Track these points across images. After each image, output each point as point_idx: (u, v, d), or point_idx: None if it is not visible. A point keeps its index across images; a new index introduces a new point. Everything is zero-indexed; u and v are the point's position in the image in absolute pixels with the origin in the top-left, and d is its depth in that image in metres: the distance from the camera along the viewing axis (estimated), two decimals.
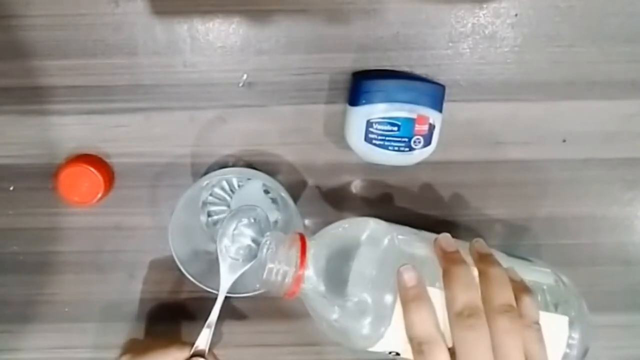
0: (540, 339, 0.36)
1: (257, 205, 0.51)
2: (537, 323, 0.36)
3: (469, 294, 0.35)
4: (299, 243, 0.39)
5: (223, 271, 0.48)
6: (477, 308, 0.35)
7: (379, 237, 0.40)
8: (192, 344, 0.46)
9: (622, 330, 0.59)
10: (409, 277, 0.36)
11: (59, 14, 0.47)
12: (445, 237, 0.40)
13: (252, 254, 0.50)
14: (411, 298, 0.36)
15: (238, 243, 0.50)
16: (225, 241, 0.49)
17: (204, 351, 0.46)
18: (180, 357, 0.46)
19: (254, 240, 0.50)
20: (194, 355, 0.46)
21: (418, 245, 0.40)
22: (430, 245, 0.40)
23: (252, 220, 0.50)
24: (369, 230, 0.40)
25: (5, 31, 0.48)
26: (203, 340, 0.47)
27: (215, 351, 0.49)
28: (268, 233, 0.41)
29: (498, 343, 0.34)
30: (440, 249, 0.39)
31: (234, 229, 0.50)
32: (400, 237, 0.40)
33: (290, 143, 0.52)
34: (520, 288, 0.37)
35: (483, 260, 0.39)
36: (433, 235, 0.41)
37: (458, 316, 0.35)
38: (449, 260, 0.38)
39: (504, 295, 0.36)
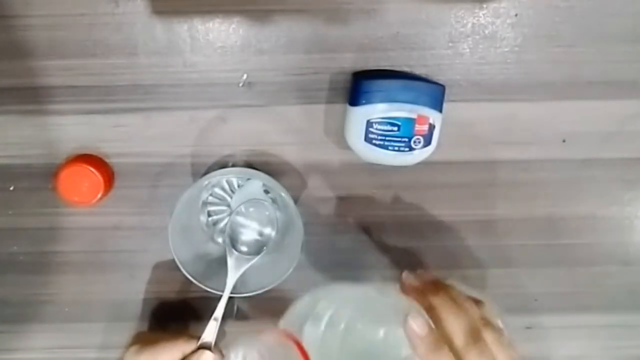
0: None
1: (264, 200, 0.51)
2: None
3: (463, 321, 0.35)
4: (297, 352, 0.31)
5: (230, 265, 0.49)
6: (477, 330, 0.34)
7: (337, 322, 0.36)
8: (199, 337, 0.47)
9: (622, 330, 0.59)
10: (420, 325, 0.34)
11: (59, 14, 0.47)
12: (409, 276, 0.39)
13: (258, 248, 0.50)
14: (431, 348, 0.34)
15: (244, 237, 0.51)
16: (232, 235, 0.50)
17: (211, 344, 0.47)
18: (187, 349, 0.46)
19: (260, 234, 0.51)
20: (200, 347, 0.46)
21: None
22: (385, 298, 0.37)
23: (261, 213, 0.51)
24: (327, 317, 0.36)
25: (5, 31, 0.48)
26: (210, 333, 0.47)
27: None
28: (238, 344, 0.33)
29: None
30: (410, 287, 0.38)
31: (241, 223, 0.51)
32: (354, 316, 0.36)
33: (290, 143, 0.52)
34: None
35: (438, 287, 0.38)
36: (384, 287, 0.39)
37: (466, 347, 0.34)
38: (427, 295, 0.36)
39: (474, 311, 0.36)
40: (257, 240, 0.51)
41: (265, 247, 0.51)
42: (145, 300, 0.57)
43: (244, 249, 0.51)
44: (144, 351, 0.46)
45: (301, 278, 0.53)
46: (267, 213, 0.51)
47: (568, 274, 0.57)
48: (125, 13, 0.48)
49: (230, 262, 0.49)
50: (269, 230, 0.51)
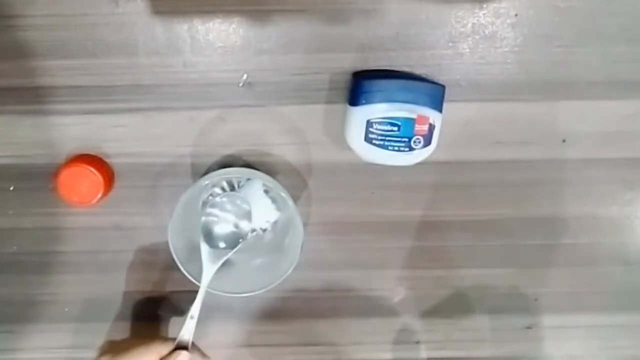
0: None
1: (238, 194, 0.51)
2: None
3: None
4: None
5: (205, 259, 0.48)
6: None
7: None
8: (174, 339, 0.46)
9: (622, 330, 0.59)
10: None
11: (59, 14, 0.47)
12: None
13: (235, 240, 0.50)
14: None
15: (219, 230, 0.50)
16: (206, 229, 0.49)
17: (188, 343, 0.45)
18: (164, 351, 0.45)
19: (236, 225, 0.50)
20: (177, 347, 0.45)
21: None
22: None
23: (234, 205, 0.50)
24: None
25: (5, 31, 0.48)
26: (187, 332, 0.46)
27: (214, 351, 0.49)
28: None
29: None
30: None
31: (215, 215, 0.50)
32: None
33: (290, 143, 0.52)
34: None
35: None
36: None
37: None
38: None
39: None
40: (233, 233, 0.50)
41: (240, 240, 0.50)
42: (145, 300, 0.57)
43: (220, 243, 0.50)
44: (117, 359, 0.44)
45: (301, 278, 0.54)
46: (238, 202, 0.50)
47: (568, 274, 0.57)
48: (125, 13, 0.48)
49: (205, 256, 0.48)
50: (245, 224, 0.50)
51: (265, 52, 0.49)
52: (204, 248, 0.49)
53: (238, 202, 0.50)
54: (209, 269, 0.48)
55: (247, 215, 0.50)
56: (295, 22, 0.48)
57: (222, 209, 0.50)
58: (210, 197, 0.53)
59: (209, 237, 0.49)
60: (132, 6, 0.47)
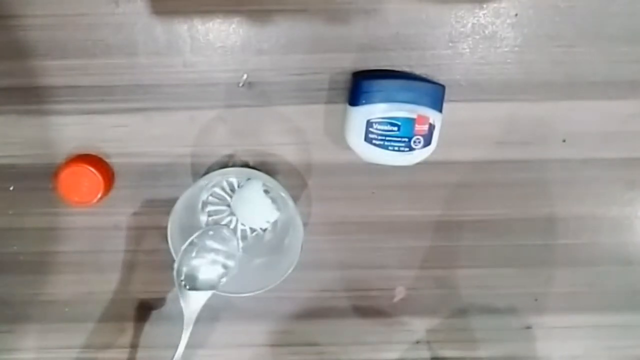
0: None
1: (223, 225, 0.50)
2: None
3: None
4: None
5: (185, 306, 0.47)
6: None
7: None
8: None
9: (622, 330, 0.59)
10: None
11: (59, 14, 0.47)
12: None
13: (217, 281, 0.49)
14: None
15: (206, 275, 0.49)
16: (187, 272, 0.48)
17: None
18: None
19: (224, 266, 0.49)
20: None
21: None
22: None
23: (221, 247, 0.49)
24: None
25: (5, 31, 0.48)
26: None
27: (215, 351, 0.49)
28: None
29: None
30: None
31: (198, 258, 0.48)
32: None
33: (290, 143, 0.52)
34: None
35: None
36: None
37: None
38: None
39: None
40: (220, 275, 0.49)
41: (223, 279, 0.48)
42: (144, 300, 0.57)
43: (204, 287, 0.48)
44: None
45: (301, 278, 0.53)
46: (226, 233, 0.48)
47: (568, 274, 0.57)
48: (125, 13, 0.48)
49: (185, 302, 0.47)
50: (232, 263, 0.49)
51: (265, 52, 0.49)
52: (186, 297, 0.47)
53: (224, 231, 0.49)
54: (190, 313, 0.47)
55: (233, 253, 0.49)
56: (295, 22, 0.48)
57: (203, 248, 0.49)
58: (213, 198, 0.53)
59: (192, 285, 0.48)
60: (132, 6, 0.47)
